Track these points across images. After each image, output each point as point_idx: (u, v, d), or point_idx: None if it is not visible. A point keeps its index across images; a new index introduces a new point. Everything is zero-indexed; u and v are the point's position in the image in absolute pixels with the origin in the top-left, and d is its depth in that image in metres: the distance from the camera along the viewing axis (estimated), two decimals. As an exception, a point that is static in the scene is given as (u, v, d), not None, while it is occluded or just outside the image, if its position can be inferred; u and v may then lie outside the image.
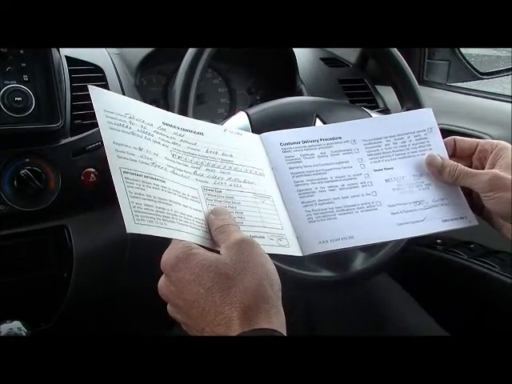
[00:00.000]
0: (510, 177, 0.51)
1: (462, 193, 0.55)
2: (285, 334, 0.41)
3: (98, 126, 0.75)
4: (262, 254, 0.44)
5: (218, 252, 0.44)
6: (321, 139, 0.55)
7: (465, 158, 0.56)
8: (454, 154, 0.57)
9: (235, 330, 0.40)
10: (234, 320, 0.40)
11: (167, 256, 0.44)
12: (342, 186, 0.53)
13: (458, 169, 0.54)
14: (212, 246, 0.46)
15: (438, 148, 0.56)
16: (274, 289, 0.43)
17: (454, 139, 0.57)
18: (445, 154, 0.56)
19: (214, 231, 0.46)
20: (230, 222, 0.46)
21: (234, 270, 0.42)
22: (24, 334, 0.64)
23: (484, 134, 0.94)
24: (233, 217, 0.48)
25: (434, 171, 0.55)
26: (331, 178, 0.53)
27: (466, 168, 0.54)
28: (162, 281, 0.45)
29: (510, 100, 0.97)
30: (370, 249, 0.72)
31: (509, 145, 0.54)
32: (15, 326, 0.64)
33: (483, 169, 0.54)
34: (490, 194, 0.51)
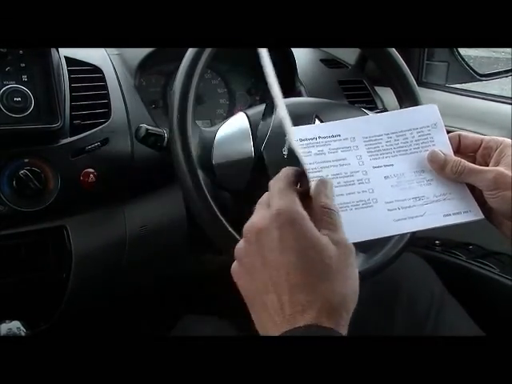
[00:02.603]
0: None
1: (466, 187, 0.54)
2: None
3: (97, 127, 0.77)
4: (354, 265, 0.43)
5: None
6: (319, 137, 0.54)
7: (469, 154, 0.56)
8: (458, 151, 0.56)
9: (305, 319, 0.39)
10: (312, 309, 0.39)
11: (283, 206, 0.42)
12: (338, 183, 0.52)
13: (461, 164, 0.53)
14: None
15: (442, 144, 0.55)
16: (352, 307, 0.42)
17: (459, 135, 0.56)
18: (449, 151, 0.55)
19: (325, 209, 0.43)
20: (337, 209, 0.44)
21: (335, 266, 0.41)
22: (23, 334, 0.64)
23: (483, 135, 0.94)
24: None
25: (437, 167, 0.54)
26: (327, 175, 0.52)
27: (469, 164, 0.53)
28: (263, 223, 0.42)
29: (509, 102, 0.97)
30: (369, 250, 0.72)
31: None
32: (14, 326, 0.64)
33: (487, 166, 0.54)
34: (494, 193, 0.51)
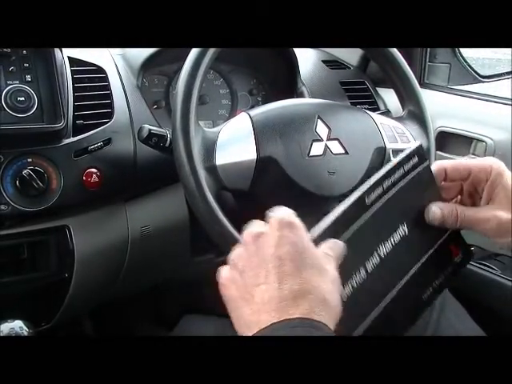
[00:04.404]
0: None
1: None
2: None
3: (100, 127, 0.77)
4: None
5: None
6: None
7: (456, 181, 0.55)
8: (444, 180, 0.54)
9: (300, 309, 0.40)
10: (306, 297, 0.40)
11: (288, 214, 0.44)
12: None
13: (458, 215, 0.52)
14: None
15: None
16: (338, 307, 0.43)
17: (445, 169, 0.54)
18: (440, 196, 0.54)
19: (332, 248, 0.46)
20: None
21: (327, 270, 0.43)
22: (26, 333, 0.64)
23: (484, 136, 0.94)
24: None
25: (438, 224, 0.52)
26: None
27: (468, 212, 0.52)
28: (253, 228, 0.45)
29: (510, 103, 0.97)
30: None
31: (503, 167, 0.52)
32: (17, 326, 0.64)
33: (477, 194, 0.53)
34: (499, 239, 0.51)
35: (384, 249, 0.49)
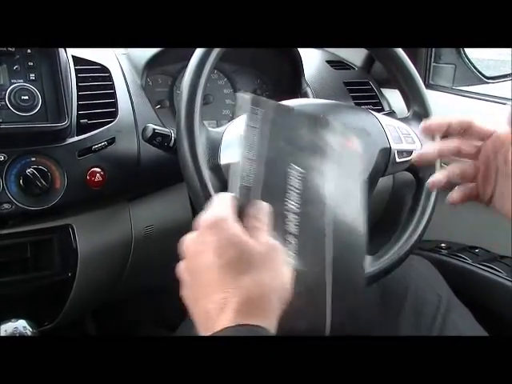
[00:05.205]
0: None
1: None
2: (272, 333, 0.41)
3: (103, 126, 0.77)
4: (285, 262, 0.44)
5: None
6: None
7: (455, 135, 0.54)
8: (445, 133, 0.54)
9: (226, 318, 0.40)
10: (229, 306, 0.40)
11: (210, 214, 0.44)
12: None
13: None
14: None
15: None
16: (279, 302, 0.43)
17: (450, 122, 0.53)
18: None
19: (259, 216, 0.45)
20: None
21: (257, 262, 0.42)
22: (29, 333, 0.64)
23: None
24: None
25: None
26: None
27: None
28: (190, 235, 0.45)
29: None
30: (375, 252, 0.72)
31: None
32: (20, 325, 0.64)
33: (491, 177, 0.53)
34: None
35: (293, 191, 0.50)
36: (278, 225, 0.47)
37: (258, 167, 0.47)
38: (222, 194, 0.46)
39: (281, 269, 0.44)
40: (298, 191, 0.49)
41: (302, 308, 0.47)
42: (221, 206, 0.44)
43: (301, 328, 0.48)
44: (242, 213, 0.45)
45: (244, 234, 0.43)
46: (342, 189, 0.54)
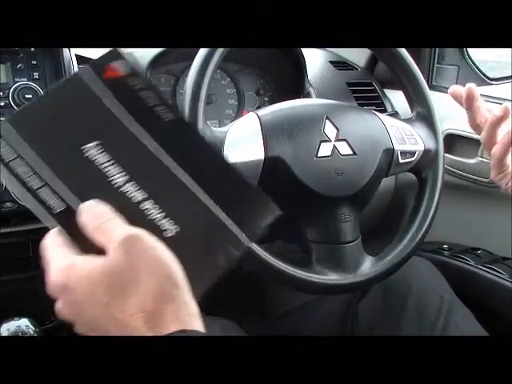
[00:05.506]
0: None
1: None
2: (201, 329, 0.39)
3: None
4: (154, 247, 0.39)
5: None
6: None
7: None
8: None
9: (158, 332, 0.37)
10: (140, 330, 0.37)
11: (52, 281, 0.40)
12: None
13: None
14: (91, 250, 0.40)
15: None
16: (179, 283, 0.38)
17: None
18: None
19: (93, 233, 0.40)
20: (110, 217, 0.40)
21: (126, 277, 0.37)
22: (32, 331, 0.64)
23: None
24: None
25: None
26: None
27: None
28: (59, 303, 0.41)
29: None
30: (378, 253, 0.71)
31: None
32: (23, 324, 0.64)
33: None
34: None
35: (106, 166, 0.43)
36: (124, 205, 0.41)
37: (48, 189, 0.43)
38: (46, 240, 0.42)
39: (153, 254, 0.38)
40: (110, 162, 0.43)
41: (209, 247, 0.42)
42: (55, 253, 0.41)
43: (223, 262, 0.43)
44: (78, 233, 0.41)
45: (94, 260, 0.38)
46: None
